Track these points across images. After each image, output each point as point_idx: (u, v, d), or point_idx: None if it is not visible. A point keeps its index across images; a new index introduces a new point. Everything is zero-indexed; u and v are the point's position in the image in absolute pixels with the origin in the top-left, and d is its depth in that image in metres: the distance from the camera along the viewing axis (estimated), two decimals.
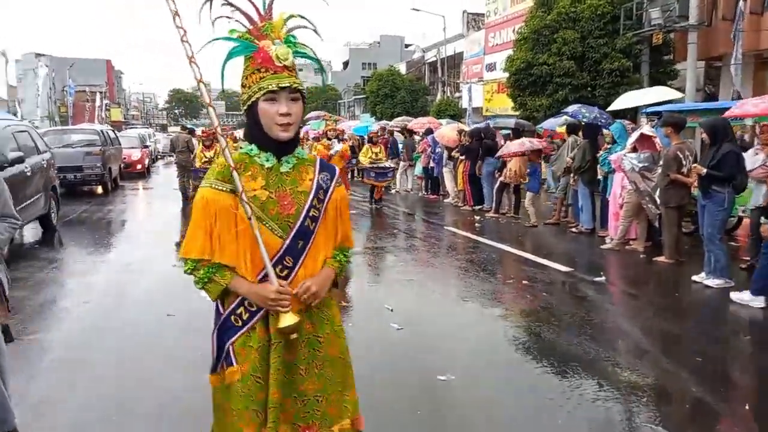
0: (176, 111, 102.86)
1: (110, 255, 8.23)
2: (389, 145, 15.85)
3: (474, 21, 34.28)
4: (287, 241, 1.93)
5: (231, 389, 1.95)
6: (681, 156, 6.83)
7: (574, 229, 9.48)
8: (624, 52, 16.03)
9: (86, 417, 3.43)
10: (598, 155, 8.85)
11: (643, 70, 16.19)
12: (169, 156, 26.87)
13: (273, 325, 1.92)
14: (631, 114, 14.00)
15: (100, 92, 53.85)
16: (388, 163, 13.46)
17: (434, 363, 4.21)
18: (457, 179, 13.15)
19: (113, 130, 19.64)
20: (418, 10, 32.68)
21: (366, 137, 16.32)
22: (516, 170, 10.57)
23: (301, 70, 2.01)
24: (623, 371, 4.08)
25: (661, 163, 7.24)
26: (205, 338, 2.12)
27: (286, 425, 1.96)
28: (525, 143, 10.48)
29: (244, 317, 1.95)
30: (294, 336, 1.92)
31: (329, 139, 11.59)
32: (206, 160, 12.57)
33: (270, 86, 1.87)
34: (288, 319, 1.89)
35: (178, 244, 8.54)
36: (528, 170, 10.52)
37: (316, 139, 12.55)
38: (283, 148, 1.97)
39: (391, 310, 5.43)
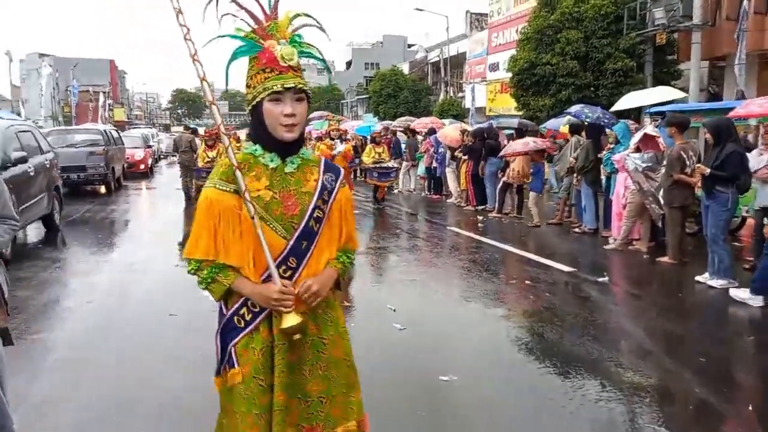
0: (179, 111, 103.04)
1: (113, 255, 8.24)
2: (392, 145, 15.84)
3: (477, 21, 34.24)
4: (291, 242, 1.92)
5: (234, 392, 1.94)
6: (684, 156, 6.81)
7: (577, 230, 9.46)
8: (627, 52, 15.98)
9: (88, 417, 3.43)
10: (602, 155, 8.83)
11: (646, 70, 16.15)
12: (172, 156, 26.97)
13: (276, 326, 1.91)
14: (635, 114, 13.96)
15: (104, 92, 53.95)
16: (391, 163, 13.45)
17: (436, 363, 4.20)
18: (460, 179, 13.14)
19: (116, 130, 19.69)
20: (421, 10, 32.66)
21: (369, 137, 16.32)
22: (519, 170, 10.56)
23: (304, 70, 1.99)
24: (626, 372, 4.07)
25: (664, 163, 7.22)
26: (206, 338, 2.13)
27: (291, 428, 1.95)
28: (529, 143, 10.46)
29: (247, 318, 1.94)
30: (297, 337, 1.91)
31: (332, 139, 11.61)
32: (209, 159, 12.60)
33: (275, 87, 1.85)
34: (291, 320, 1.87)
35: (181, 244, 8.55)
36: (531, 170, 10.50)
37: (319, 138, 12.57)
38: (287, 149, 1.95)
39: (394, 311, 5.42)
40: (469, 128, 14.10)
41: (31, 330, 4.91)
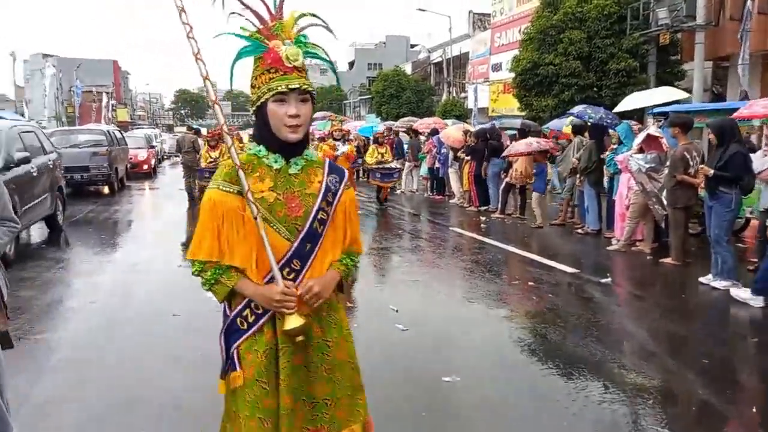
0: (182, 111, 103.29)
1: (116, 255, 8.26)
2: (395, 146, 15.85)
3: (480, 21, 34.27)
4: (295, 244, 1.91)
5: (237, 395, 1.93)
6: (688, 156, 6.80)
7: (580, 230, 9.45)
8: (631, 52, 15.97)
9: (91, 417, 3.43)
10: (604, 156, 8.82)
11: (650, 70, 16.13)
12: (175, 156, 26.97)
13: (280, 327, 1.90)
14: (638, 114, 13.94)
15: (107, 92, 54.08)
16: (394, 164, 13.46)
17: (439, 364, 4.20)
18: (462, 180, 13.14)
19: (120, 131, 19.73)
20: (423, 11, 32.67)
21: (371, 138, 16.32)
22: (522, 171, 10.54)
23: (306, 70, 1.97)
24: (629, 373, 4.06)
25: (667, 163, 7.21)
26: (208, 339, 2.13)
27: (295, 431, 1.93)
28: (532, 143, 10.45)
29: (250, 320, 1.92)
30: (300, 338, 1.89)
31: (335, 139, 11.60)
32: (211, 160, 12.64)
33: (279, 87, 1.84)
34: (293, 321, 1.86)
35: (184, 245, 8.57)
36: (534, 171, 10.49)
37: (322, 139, 12.57)
38: (291, 150, 1.94)
39: (396, 311, 5.42)
40: (472, 129, 14.10)
41: (35, 330, 4.92)
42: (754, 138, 9.20)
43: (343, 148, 11.12)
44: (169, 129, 69.82)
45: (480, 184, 12.30)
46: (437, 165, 14.51)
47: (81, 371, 4.12)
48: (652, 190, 7.42)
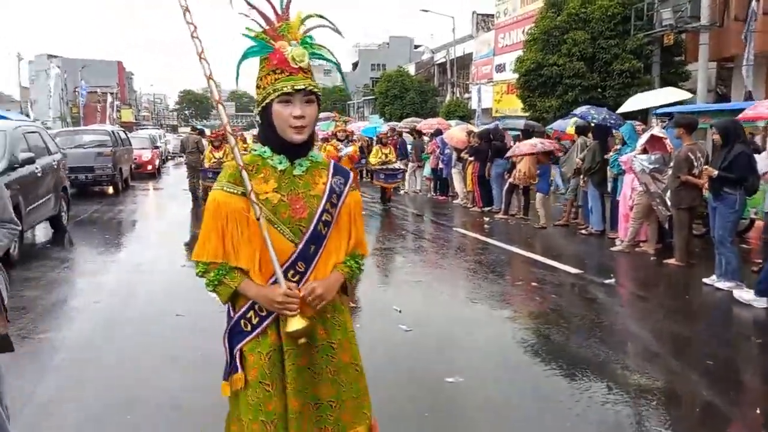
0: (186, 112, 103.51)
1: (121, 255, 8.28)
2: (398, 146, 15.85)
3: (484, 22, 34.25)
4: (300, 246, 1.90)
5: (240, 398, 1.92)
6: (692, 157, 6.78)
7: (583, 231, 9.43)
8: (635, 53, 15.94)
9: (93, 417, 3.44)
10: (608, 156, 8.81)
11: (654, 71, 16.10)
12: (180, 157, 27.02)
13: (283, 329, 1.89)
14: (642, 115, 13.91)
15: (112, 93, 54.22)
16: (398, 165, 13.45)
17: (442, 365, 4.20)
18: (466, 180, 13.13)
19: (124, 131, 19.80)
20: (427, 11, 32.67)
21: (375, 138, 16.32)
22: (525, 171, 10.53)
23: (311, 71, 1.95)
24: (633, 374, 4.05)
25: (671, 164, 7.19)
26: (211, 339, 2.13)
27: None
28: (536, 144, 10.43)
29: (254, 322, 1.91)
30: (302, 341, 1.88)
31: (339, 140, 11.61)
32: (215, 160, 12.66)
33: (284, 88, 1.83)
34: (296, 323, 1.84)
35: (188, 245, 8.59)
36: (538, 171, 10.48)
37: (325, 140, 12.56)
38: (296, 151, 1.93)
39: (400, 312, 5.42)
40: (476, 129, 14.08)
41: (39, 329, 4.93)
42: (758, 139, 9.18)
43: (347, 150, 11.13)
44: (174, 129, 70.01)
45: (483, 185, 12.29)
46: (441, 165, 14.51)
47: (84, 371, 4.13)
48: (656, 190, 7.41)
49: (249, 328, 1.92)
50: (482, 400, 3.72)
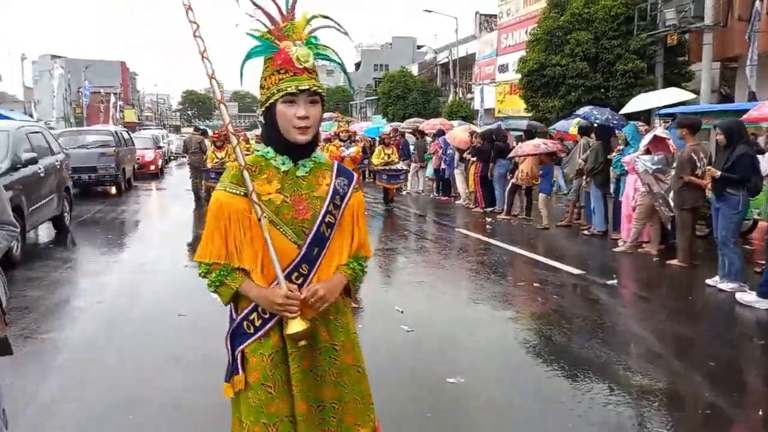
0: (189, 112, 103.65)
1: (123, 255, 8.29)
2: (400, 147, 15.85)
3: (486, 22, 34.22)
4: (304, 249, 1.89)
5: (241, 399, 1.91)
6: (695, 158, 6.76)
7: (586, 232, 9.42)
8: (638, 53, 15.90)
9: (97, 416, 3.45)
10: (611, 157, 8.79)
11: (657, 71, 16.06)
12: (182, 157, 27.11)
13: (283, 331, 1.88)
14: (645, 116, 13.89)
15: (115, 93, 54.38)
16: (400, 165, 13.44)
17: (444, 365, 4.20)
18: (468, 181, 13.12)
19: (127, 131, 19.84)
20: (430, 12, 32.67)
21: (378, 139, 16.32)
22: (528, 172, 10.52)
23: (316, 71, 1.94)
24: (635, 375, 4.05)
25: (674, 165, 7.18)
26: (211, 339, 2.13)
27: None
28: (540, 145, 10.41)
29: (257, 324, 1.90)
30: (303, 343, 1.87)
31: (342, 140, 11.62)
32: (217, 161, 12.68)
33: (289, 88, 1.82)
34: (296, 326, 1.83)
35: (191, 245, 8.60)
36: (540, 172, 10.47)
37: (328, 140, 12.58)
38: (300, 152, 1.92)
39: (401, 312, 5.42)
40: (478, 130, 14.07)
41: (42, 329, 4.95)
42: (761, 140, 9.16)
43: (349, 150, 11.13)
44: (176, 130, 70.08)
45: (486, 185, 12.29)
46: (443, 166, 14.51)
47: (86, 371, 4.13)
48: (658, 191, 7.39)
49: (252, 330, 1.91)
50: (484, 400, 3.72)
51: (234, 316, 1.96)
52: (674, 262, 7.17)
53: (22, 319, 5.16)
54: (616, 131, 9.36)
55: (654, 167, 7.37)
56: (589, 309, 5.69)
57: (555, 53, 16.86)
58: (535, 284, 6.52)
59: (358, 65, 68.99)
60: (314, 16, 1.94)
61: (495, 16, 30.81)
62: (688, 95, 13.02)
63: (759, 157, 6.38)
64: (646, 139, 7.80)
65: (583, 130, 9.91)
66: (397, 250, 8.53)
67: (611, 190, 9.05)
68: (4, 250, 2.54)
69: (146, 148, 21.37)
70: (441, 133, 15.04)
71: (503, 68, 27.88)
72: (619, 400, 3.65)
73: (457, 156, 13.52)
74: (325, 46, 1.96)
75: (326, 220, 1.92)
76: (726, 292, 6.02)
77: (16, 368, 3.95)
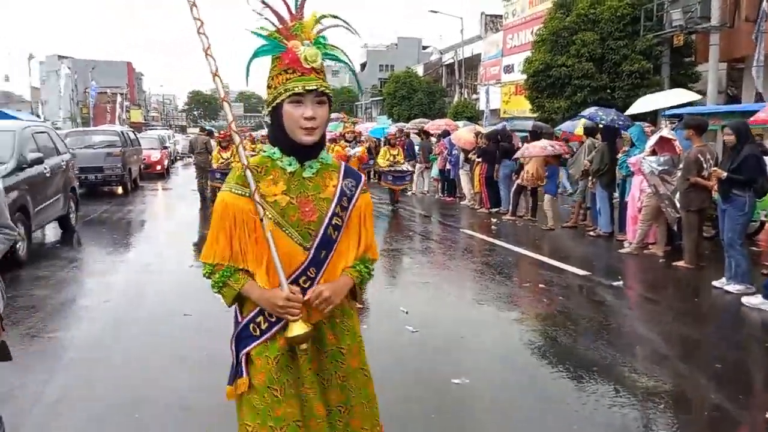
0: (195, 112, 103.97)
1: (129, 255, 8.32)
2: (405, 147, 15.85)
3: (492, 23, 34.19)
4: (311, 252, 1.87)
5: (244, 402, 1.89)
6: (702, 159, 6.74)
7: (591, 233, 9.40)
8: (644, 53, 15.86)
9: (102, 416, 3.46)
10: (617, 158, 8.77)
11: (663, 71, 16.00)
12: (188, 157, 27.14)
13: (285, 334, 1.85)
14: (651, 116, 13.84)
15: (121, 94, 54.58)
16: (406, 167, 13.43)
17: (448, 366, 4.19)
18: (473, 181, 13.11)
19: (133, 132, 19.92)
20: (436, 12, 32.65)
21: (383, 139, 16.32)
22: (533, 173, 10.50)
23: (324, 72, 1.91)
24: (641, 377, 4.03)
25: (681, 166, 7.15)
26: (216, 339, 2.13)
27: None
28: (546, 147, 10.38)
29: (263, 327, 1.88)
30: (304, 347, 1.85)
31: (347, 141, 11.62)
32: (223, 161, 12.71)
33: (296, 88, 1.79)
34: (297, 329, 1.81)
35: (197, 245, 8.62)
36: (546, 173, 10.45)
37: (333, 140, 12.58)
38: (306, 153, 1.89)
39: (406, 313, 5.42)
40: (483, 130, 14.06)
41: (48, 329, 4.97)
42: (767, 142, 9.11)
43: (355, 150, 11.13)
44: (182, 130, 70.32)
45: (491, 186, 12.27)
46: (448, 167, 14.50)
47: (93, 370, 4.15)
48: (665, 192, 7.37)
49: (258, 332, 1.89)
50: (489, 401, 3.72)
51: (239, 318, 1.94)
52: (680, 263, 7.14)
53: (28, 318, 5.19)
54: (622, 132, 9.33)
55: (660, 168, 7.35)
56: (595, 310, 5.68)
57: (561, 54, 16.83)
58: (540, 285, 6.51)
59: (363, 65, 69.03)
60: (324, 16, 1.90)
61: (500, 16, 30.78)
62: (695, 96, 12.96)
63: (765, 158, 6.34)
64: (652, 140, 7.77)
65: (589, 131, 9.88)
66: (402, 251, 8.52)
67: (617, 191, 9.02)
68: (2, 253, 2.54)
69: (152, 149, 21.45)
70: (446, 133, 15.03)
71: (509, 69, 27.85)
72: (625, 401, 3.64)
73: (462, 157, 13.52)
74: (333, 46, 1.92)
75: (333, 222, 1.90)
76: (732, 294, 5.99)
77: (22, 367, 3.97)
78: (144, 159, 19.55)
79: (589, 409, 3.54)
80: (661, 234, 7.96)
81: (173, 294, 6.13)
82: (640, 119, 11.27)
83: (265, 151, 1.96)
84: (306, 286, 1.87)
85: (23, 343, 4.57)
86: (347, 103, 54.89)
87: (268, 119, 1.97)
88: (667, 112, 11.50)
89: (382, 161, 13.03)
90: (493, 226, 10.59)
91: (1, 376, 3.61)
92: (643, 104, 12.76)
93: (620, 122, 9.52)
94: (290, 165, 1.89)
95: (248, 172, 1.83)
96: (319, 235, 1.87)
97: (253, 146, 15.77)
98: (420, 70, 42.01)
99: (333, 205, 1.90)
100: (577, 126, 12.64)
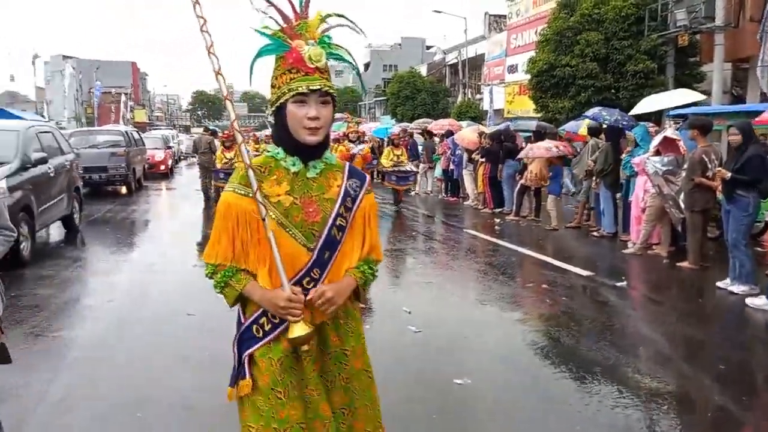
0: (199, 112, 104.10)
1: (133, 255, 8.34)
2: (409, 147, 15.85)
3: (496, 22, 34.12)
4: (315, 253, 1.86)
5: (245, 404, 1.88)
6: (706, 159, 6.71)
7: (595, 233, 9.38)
8: (649, 53, 15.80)
9: (106, 415, 3.47)
10: (621, 158, 8.75)
11: (668, 72, 15.95)
12: (192, 157, 27.24)
13: (286, 335, 1.85)
14: (656, 116, 13.80)
15: (125, 93, 54.68)
16: (410, 167, 13.43)
17: (451, 366, 4.19)
18: (477, 182, 13.10)
19: (137, 131, 19.96)
20: (439, 12, 32.63)
21: (386, 139, 16.31)
22: (537, 173, 10.48)
23: (328, 71, 1.90)
24: (644, 378, 4.02)
25: (685, 166, 7.13)
26: (219, 339, 2.13)
27: None
28: (551, 148, 10.35)
29: (266, 328, 1.87)
30: (305, 348, 1.84)
31: (351, 141, 11.62)
32: (226, 161, 12.73)
33: (300, 88, 1.78)
34: (298, 330, 1.79)
35: (200, 245, 8.64)
36: (550, 173, 10.43)
37: (336, 140, 12.59)
38: (310, 153, 1.88)
39: (409, 313, 5.42)
40: (487, 130, 14.04)
41: (52, 328, 4.98)
42: None
43: (359, 147, 11.13)
44: (186, 130, 70.39)
45: (495, 186, 12.26)
46: (452, 167, 14.49)
47: (96, 369, 4.16)
48: (669, 193, 7.35)
49: (261, 334, 1.88)
50: (491, 402, 3.71)
51: (242, 319, 1.94)
52: (684, 264, 7.12)
53: (32, 317, 5.20)
54: (626, 132, 9.31)
55: (664, 169, 7.33)
56: (598, 311, 5.66)
57: (565, 54, 16.77)
58: (543, 286, 6.50)
59: (367, 65, 69.03)
60: (329, 15, 1.89)
61: (504, 16, 30.72)
62: (699, 96, 12.90)
63: None
64: (656, 140, 7.75)
65: (593, 131, 9.86)
66: (406, 251, 8.52)
67: (621, 191, 9.00)
68: (1, 254, 2.54)
69: (156, 148, 21.49)
70: (450, 133, 15.02)
71: (512, 69, 27.80)
72: (628, 402, 3.63)
73: (465, 157, 13.50)
74: (338, 45, 1.91)
75: (337, 223, 1.89)
76: (737, 294, 5.97)
77: (26, 366, 3.99)
78: (148, 159, 19.58)
79: (592, 410, 3.54)
80: (665, 234, 7.94)
81: (177, 294, 6.14)
82: (645, 119, 11.22)
83: (269, 151, 1.95)
84: (310, 287, 1.86)
85: (27, 342, 4.59)
86: (351, 103, 54.88)
87: (271, 119, 1.97)
88: (672, 113, 11.45)
89: (385, 161, 13.01)
90: (496, 227, 10.58)
91: (6, 375, 3.62)
92: (648, 104, 12.71)
93: (624, 122, 9.49)
94: (294, 165, 1.88)
95: (250, 172, 1.82)
96: (323, 236, 1.87)
97: (256, 146, 15.77)
98: (423, 70, 42.00)
99: (337, 205, 1.89)
100: (581, 126, 12.59)
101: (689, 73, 16.25)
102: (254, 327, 1.89)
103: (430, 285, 6.64)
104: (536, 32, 22.10)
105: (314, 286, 1.87)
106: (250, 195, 1.82)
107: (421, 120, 23.01)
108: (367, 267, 1.98)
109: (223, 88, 1.89)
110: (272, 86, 1.88)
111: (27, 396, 3.66)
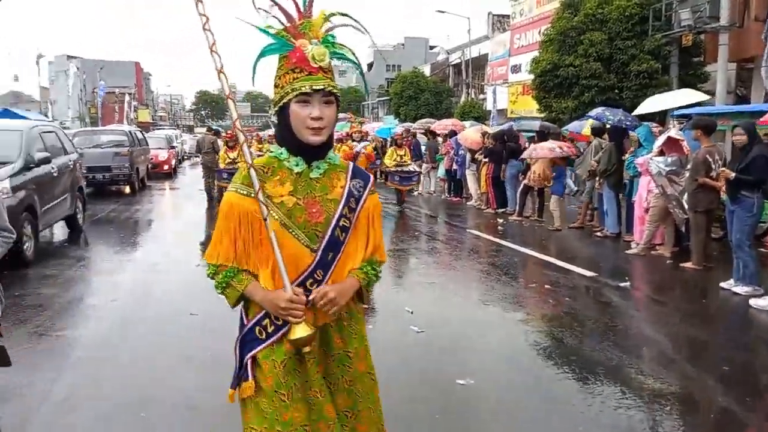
0: (203, 112, 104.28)
1: (137, 254, 8.36)
2: (412, 147, 15.84)
3: (499, 22, 34.11)
4: (319, 254, 1.84)
5: (248, 405, 1.87)
6: (710, 159, 6.70)
7: (598, 233, 9.36)
8: (653, 53, 15.76)
9: (109, 415, 3.48)
10: (624, 158, 8.73)
11: (672, 72, 15.90)
12: (195, 157, 27.23)
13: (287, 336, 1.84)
14: (659, 116, 13.77)
15: (129, 93, 54.84)
16: (413, 167, 13.42)
17: (454, 367, 4.19)
18: (480, 182, 13.09)
19: (141, 131, 20.01)
20: (443, 12, 32.61)
21: (389, 139, 16.31)
22: (540, 173, 10.47)
23: (332, 71, 1.88)
24: (647, 378, 4.01)
25: (688, 166, 7.12)
26: (222, 339, 2.13)
27: None
28: (555, 149, 10.33)
29: (269, 330, 1.85)
30: (307, 349, 1.83)
31: (354, 141, 11.61)
32: (229, 161, 12.75)
33: (303, 88, 1.77)
34: (300, 331, 1.78)
35: (204, 245, 8.65)
36: (553, 173, 10.41)
37: (339, 140, 12.58)
38: (314, 153, 1.86)
39: (412, 313, 5.41)
40: (490, 130, 14.03)
41: (56, 327, 5.00)
42: None
43: (362, 144, 11.12)
44: (190, 130, 70.51)
45: (498, 186, 12.25)
46: (455, 167, 14.48)
47: (100, 369, 4.17)
48: (672, 193, 7.33)
49: (264, 336, 1.87)
50: (494, 402, 3.71)
51: (245, 321, 1.93)
52: (688, 264, 7.10)
53: (36, 316, 5.22)
54: (630, 132, 9.29)
55: (667, 169, 7.31)
56: (601, 311, 5.65)
57: (568, 54, 16.74)
58: (546, 286, 6.49)
59: (370, 65, 69.03)
60: (333, 14, 1.87)
61: (508, 16, 30.68)
62: (703, 96, 12.87)
63: None
64: (660, 140, 7.73)
65: (596, 131, 9.84)
66: (409, 251, 8.52)
67: (625, 192, 8.98)
68: (1, 255, 2.54)
69: (160, 148, 21.52)
70: (453, 133, 15.00)
71: (516, 69, 27.77)
72: (631, 403, 3.63)
73: (468, 157, 13.49)
74: (342, 45, 1.89)
75: (341, 224, 1.87)
76: (740, 295, 5.95)
77: (30, 366, 4.00)
78: (152, 158, 19.62)
79: (595, 411, 3.53)
80: (668, 235, 7.92)
81: (180, 293, 6.15)
82: (648, 119, 11.20)
83: (272, 151, 1.94)
84: (313, 288, 1.85)
85: (31, 342, 4.60)
86: (354, 102, 54.91)
87: (275, 119, 1.95)
88: (676, 113, 11.42)
89: (388, 161, 13.01)
90: (499, 227, 10.57)
91: (9, 374, 3.63)
92: (652, 104, 12.68)
93: (627, 122, 9.47)
94: (297, 165, 1.87)
95: (252, 172, 1.81)
96: (327, 237, 1.85)
97: (259, 146, 15.79)
98: (427, 70, 41.97)
99: (340, 206, 1.88)
100: (585, 126, 12.56)
101: (693, 73, 16.19)
102: (257, 329, 1.88)
103: (432, 285, 6.64)
104: (540, 32, 22.05)
105: (317, 287, 1.85)
106: (252, 195, 1.81)
107: (424, 120, 22.99)
108: (370, 268, 1.96)
109: (225, 87, 1.88)
110: (275, 86, 1.86)
111: (30, 395, 3.67)
